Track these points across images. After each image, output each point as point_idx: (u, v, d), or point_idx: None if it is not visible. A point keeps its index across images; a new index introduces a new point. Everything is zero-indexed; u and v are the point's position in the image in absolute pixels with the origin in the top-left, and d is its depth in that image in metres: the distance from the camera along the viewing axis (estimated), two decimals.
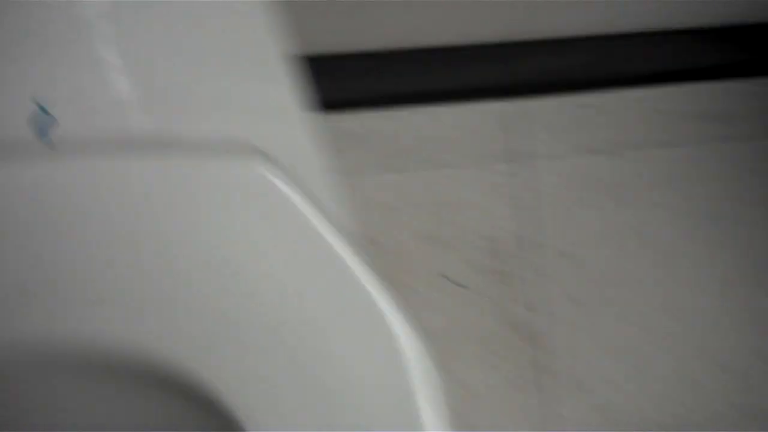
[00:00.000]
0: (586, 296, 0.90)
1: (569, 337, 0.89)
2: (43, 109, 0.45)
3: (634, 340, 0.90)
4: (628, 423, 0.88)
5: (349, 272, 0.45)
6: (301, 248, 0.45)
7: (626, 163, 0.93)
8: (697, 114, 0.95)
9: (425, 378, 0.46)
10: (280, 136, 0.53)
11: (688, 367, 0.90)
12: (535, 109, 0.93)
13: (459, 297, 0.88)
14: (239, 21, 0.51)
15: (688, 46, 0.93)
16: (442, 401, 0.46)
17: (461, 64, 0.88)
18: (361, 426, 0.44)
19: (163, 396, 0.47)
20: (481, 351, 0.87)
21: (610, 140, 0.93)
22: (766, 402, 0.90)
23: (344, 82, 0.87)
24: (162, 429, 0.51)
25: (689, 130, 0.95)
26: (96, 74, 0.47)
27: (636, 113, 0.94)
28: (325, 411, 0.43)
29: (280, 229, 0.45)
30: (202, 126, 0.49)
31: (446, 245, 0.89)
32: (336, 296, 0.45)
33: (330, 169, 0.52)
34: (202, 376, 0.44)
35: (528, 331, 0.88)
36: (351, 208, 0.48)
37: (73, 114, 0.47)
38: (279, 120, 0.54)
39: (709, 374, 0.90)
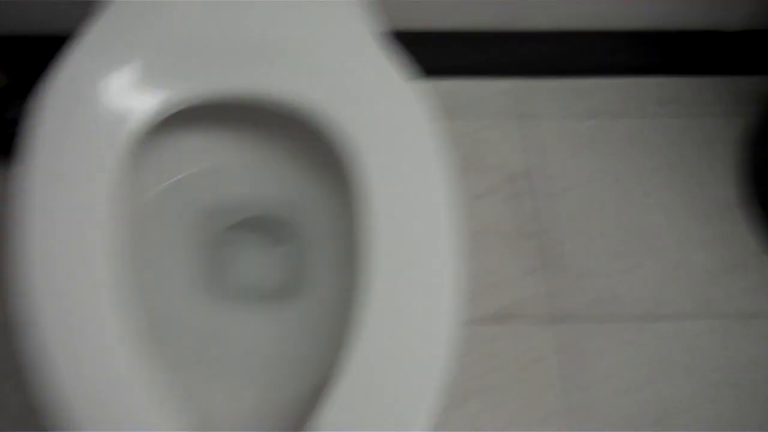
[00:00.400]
0: (577, 214, 1.22)
1: (567, 241, 1.21)
2: None
3: (616, 247, 1.21)
4: (620, 305, 1.18)
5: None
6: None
7: (603, 127, 1.28)
8: (655, 97, 1.31)
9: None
10: None
11: (660, 267, 1.21)
12: (537, 86, 1.29)
13: (486, 208, 1.21)
14: None
15: (649, 48, 1.31)
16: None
17: (481, 48, 1.25)
18: None
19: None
20: (503, 247, 1.19)
21: (592, 111, 1.29)
22: (727, 296, 1.20)
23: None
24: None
25: (649, 108, 1.31)
26: None
27: (611, 94, 1.31)
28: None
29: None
30: None
31: (474, 172, 1.23)
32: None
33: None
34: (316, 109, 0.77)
35: (536, 236, 1.20)
36: None
37: None
38: None
39: (680, 273, 1.21)
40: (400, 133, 0.77)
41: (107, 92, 0.75)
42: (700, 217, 1.24)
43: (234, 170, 0.89)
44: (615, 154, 1.27)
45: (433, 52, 1.22)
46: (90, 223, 0.70)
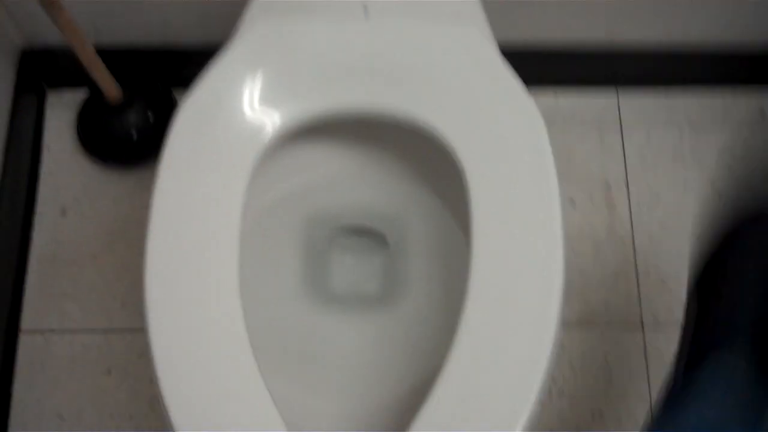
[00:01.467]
0: (669, 221, 1.26)
1: (658, 247, 1.25)
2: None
3: None
4: None
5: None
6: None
7: (698, 138, 1.32)
8: (749, 110, 1.34)
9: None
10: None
11: None
12: (634, 99, 1.33)
13: (579, 213, 1.26)
14: None
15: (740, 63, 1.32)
16: None
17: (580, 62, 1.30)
18: None
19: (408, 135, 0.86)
20: (594, 251, 1.25)
21: (686, 123, 1.32)
22: None
23: None
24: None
25: (742, 120, 1.33)
26: None
27: (707, 107, 1.34)
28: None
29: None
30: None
31: (573, 180, 1.28)
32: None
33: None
34: (430, 123, 0.82)
35: (628, 241, 1.25)
36: None
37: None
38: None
39: None
40: (512, 146, 0.80)
41: (241, 108, 0.82)
42: None
43: (348, 181, 0.96)
44: (708, 165, 1.30)
45: (536, 68, 1.27)
46: (219, 227, 0.78)
